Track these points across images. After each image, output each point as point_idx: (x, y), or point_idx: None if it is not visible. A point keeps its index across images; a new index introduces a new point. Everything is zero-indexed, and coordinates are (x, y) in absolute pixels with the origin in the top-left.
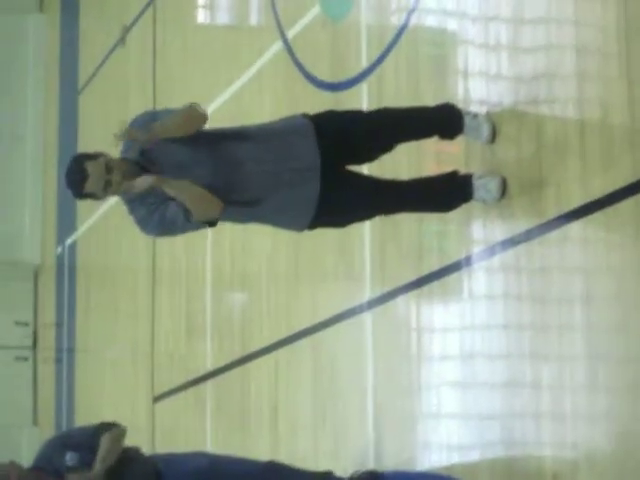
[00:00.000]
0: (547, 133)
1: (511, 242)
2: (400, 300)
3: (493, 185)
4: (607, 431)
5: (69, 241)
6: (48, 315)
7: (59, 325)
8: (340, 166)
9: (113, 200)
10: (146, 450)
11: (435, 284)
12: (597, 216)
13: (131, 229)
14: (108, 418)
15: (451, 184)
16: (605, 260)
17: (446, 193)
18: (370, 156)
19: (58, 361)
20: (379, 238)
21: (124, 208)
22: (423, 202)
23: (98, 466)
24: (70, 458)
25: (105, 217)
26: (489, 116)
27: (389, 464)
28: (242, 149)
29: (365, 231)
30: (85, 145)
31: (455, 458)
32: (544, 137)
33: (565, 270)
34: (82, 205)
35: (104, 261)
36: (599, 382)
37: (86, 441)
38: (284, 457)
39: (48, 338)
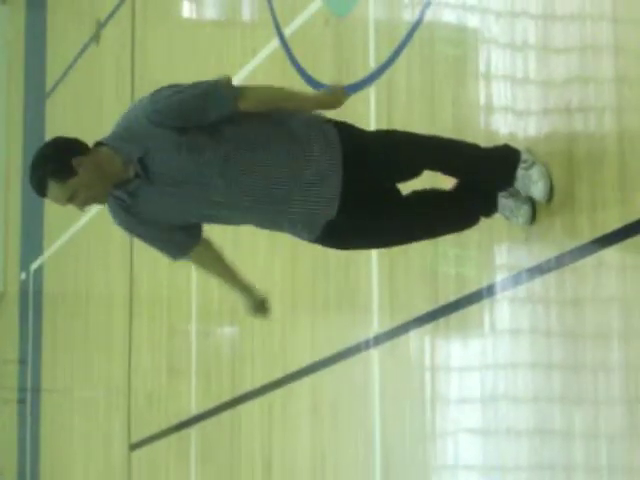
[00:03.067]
0: (580, 145)
1: (539, 270)
2: (412, 335)
3: (523, 211)
4: None
5: (34, 266)
6: (10, 350)
7: (22, 361)
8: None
9: (83, 220)
10: None
11: (452, 316)
12: (637, 240)
13: (105, 252)
14: (78, 468)
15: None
16: None
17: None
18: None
19: (21, 402)
20: (388, 263)
21: (98, 225)
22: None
23: None
24: None
25: (76, 238)
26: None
27: None
28: (254, 158)
29: (372, 256)
30: None
31: None
32: (577, 150)
33: (600, 301)
34: (49, 225)
35: (74, 288)
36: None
37: None
38: None
39: (10, 376)
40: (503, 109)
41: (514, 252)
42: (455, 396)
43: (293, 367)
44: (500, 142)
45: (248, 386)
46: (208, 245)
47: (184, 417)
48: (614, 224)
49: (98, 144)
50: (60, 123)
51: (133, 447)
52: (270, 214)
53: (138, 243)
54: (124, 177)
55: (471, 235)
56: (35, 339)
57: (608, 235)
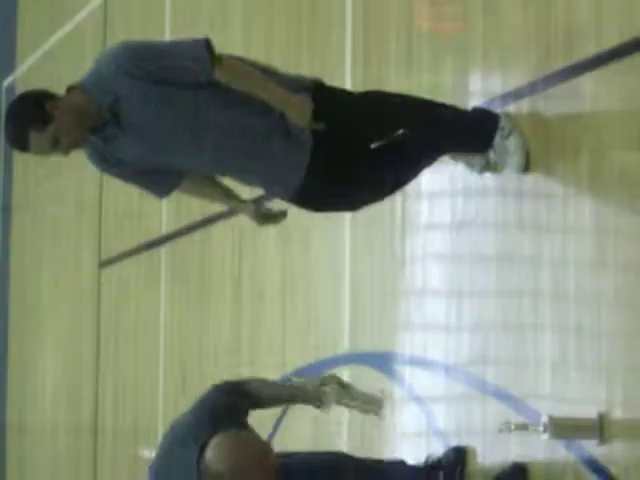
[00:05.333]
0: None
1: (513, 95)
2: None
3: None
4: None
5: (6, 83)
6: None
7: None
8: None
9: (57, 36)
10: (90, 323)
11: None
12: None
13: (78, 70)
14: (47, 285)
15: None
16: None
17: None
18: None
19: None
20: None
21: (72, 41)
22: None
23: None
24: None
25: (48, 55)
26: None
27: (366, 344)
28: (227, 117)
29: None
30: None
31: (441, 340)
32: None
33: (572, 128)
34: (23, 41)
35: None
36: (607, 258)
37: None
38: (247, 335)
39: None
40: None
41: (488, 79)
42: (424, 222)
43: None
44: None
45: (219, 208)
46: (192, 178)
47: (154, 236)
48: (590, 52)
49: (71, 88)
50: None
51: (103, 264)
52: (247, 156)
53: None
54: (98, 121)
55: (446, 60)
56: (6, 153)
57: (583, 62)
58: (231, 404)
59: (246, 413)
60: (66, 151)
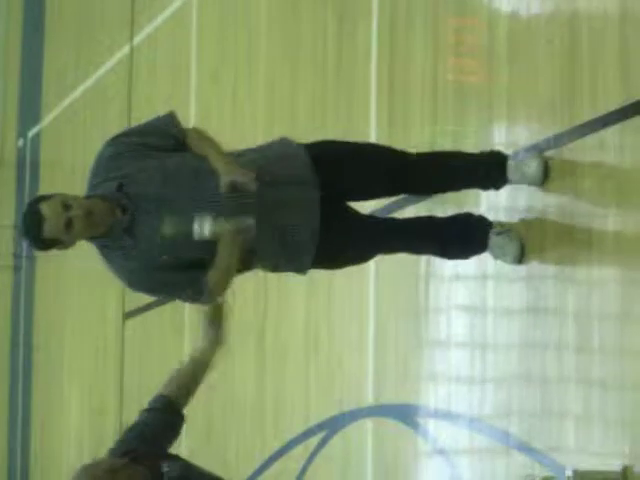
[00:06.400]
0: (582, 24)
1: (537, 148)
2: (408, 212)
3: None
4: None
5: (32, 133)
6: (6, 216)
7: (18, 227)
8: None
9: (81, 88)
10: (113, 374)
11: (448, 195)
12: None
13: (103, 120)
14: (72, 334)
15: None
16: None
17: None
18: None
19: (16, 269)
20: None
21: (96, 93)
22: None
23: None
24: None
25: (74, 106)
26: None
27: (390, 396)
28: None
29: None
30: (52, 29)
31: (465, 392)
32: (579, 28)
33: (598, 178)
34: (48, 92)
35: (71, 156)
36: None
37: None
38: (270, 386)
39: (5, 242)
40: None
41: (513, 130)
42: (449, 273)
43: None
44: None
45: None
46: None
47: None
48: (614, 105)
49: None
50: None
51: (128, 315)
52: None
53: (135, 113)
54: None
55: (470, 112)
56: None
57: (607, 115)
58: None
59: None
60: (82, 218)
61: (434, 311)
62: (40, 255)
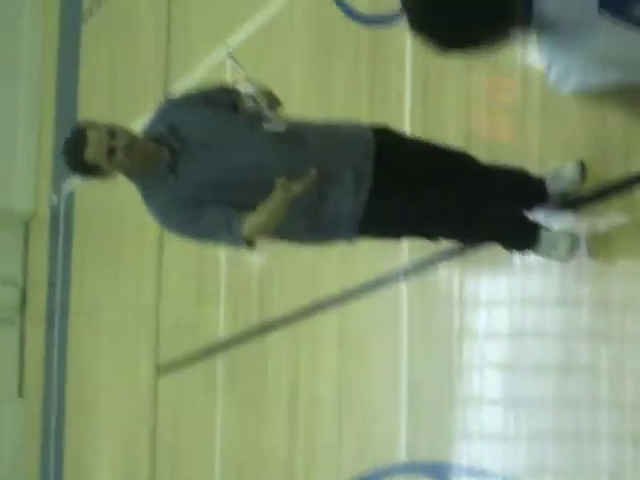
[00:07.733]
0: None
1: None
2: (441, 268)
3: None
4: None
5: (66, 189)
6: (39, 272)
7: (51, 284)
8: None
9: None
10: (146, 428)
11: (483, 251)
12: None
13: None
14: (104, 390)
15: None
16: None
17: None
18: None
19: (49, 324)
20: None
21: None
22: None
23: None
24: None
25: None
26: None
27: (423, 453)
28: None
29: None
30: (87, 81)
31: (498, 450)
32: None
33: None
34: None
35: (106, 212)
36: None
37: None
38: (302, 443)
39: (38, 298)
40: None
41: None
42: (482, 330)
43: (322, 296)
44: None
45: (276, 314)
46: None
47: (212, 343)
48: None
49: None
50: (95, 47)
51: (160, 371)
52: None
53: None
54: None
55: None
56: (65, 261)
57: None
58: None
59: None
60: (126, 149)
61: (467, 368)
62: (73, 311)
